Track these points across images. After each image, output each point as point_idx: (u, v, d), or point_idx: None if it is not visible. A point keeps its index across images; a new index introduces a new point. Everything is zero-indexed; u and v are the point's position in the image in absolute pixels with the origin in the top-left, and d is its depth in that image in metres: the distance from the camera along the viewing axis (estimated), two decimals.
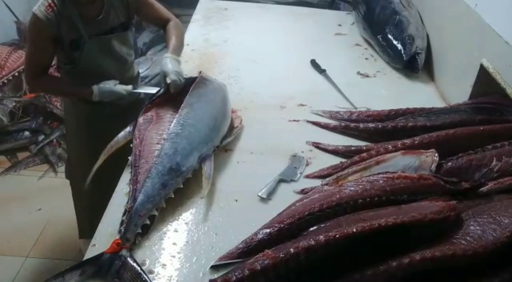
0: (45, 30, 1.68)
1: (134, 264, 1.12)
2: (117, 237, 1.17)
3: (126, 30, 1.87)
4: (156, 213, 1.27)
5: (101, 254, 1.13)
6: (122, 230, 1.19)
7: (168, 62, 1.68)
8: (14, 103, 3.25)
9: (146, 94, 1.88)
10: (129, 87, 1.81)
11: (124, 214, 1.24)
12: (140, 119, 1.53)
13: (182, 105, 1.55)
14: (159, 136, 1.45)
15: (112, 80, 1.79)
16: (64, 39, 1.72)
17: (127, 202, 1.27)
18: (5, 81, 3.26)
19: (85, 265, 1.11)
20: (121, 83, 1.83)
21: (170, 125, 1.47)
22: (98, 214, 1.31)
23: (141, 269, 1.11)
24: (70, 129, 2.12)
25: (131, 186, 1.31)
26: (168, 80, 1.62)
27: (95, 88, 1.75)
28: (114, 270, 1.11)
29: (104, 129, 1.63)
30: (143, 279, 1.09)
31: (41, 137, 3.20)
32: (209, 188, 1.35)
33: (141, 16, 1.98)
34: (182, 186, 1.36)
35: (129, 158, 1.42)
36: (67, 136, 2.23)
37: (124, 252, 1.14)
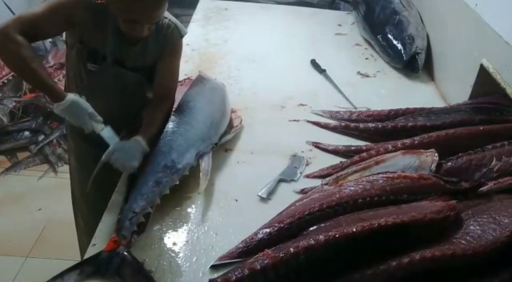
0: (79, 8, 1.37)
1: (133, 260, 1.12)
2: (113, 235, 1.17)
3: (148, 73, 1.54)
4: (151, 211, 1.27)
5: (99, 253, 1.13)
6: (118, 228, 1.19)
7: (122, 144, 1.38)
8: (14, 103, 3.25)
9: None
10: (100, 128, 1.39)
11: (120, 213, 1.24)
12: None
13: (178, 103, 1.56)
14: None
15: (95, 114, 1.38)
16: (84, 41, 1.43)
17: (123, 201, 1.28)
18: (5, 81, 3.26)
19: (84, 265, 1.11)
20: (125, 118, 1.51)
21: None
22: None
23: (141, 264, 1.12)
24: (74, 170, 1.81)
25: (127, 185, 1.32)
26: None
27: (69, 98, 1.34)
28: (114, 268, 1.11)
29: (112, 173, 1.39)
30: (144, 273, 1.10)
31: (41, 137, 3.19)
32: (207, 183, 1.35)
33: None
34: (178, 183, 1.36)
35: None
36: (71, 177, 1.86)
37: (122, 249, 1.14)
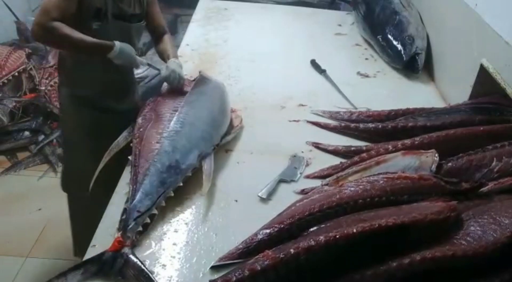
0: None
1: (137, 261, 1.12)
2: (118, 235, 1.17)
3: (140, 21, 1.81)
4: (156, 212, 1.27)
5: (103, 253, 1.13)
6: (123, 228, 1.18)
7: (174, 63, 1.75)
8: (14, 103, 3.24)
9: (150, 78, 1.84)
10: (144, 61, 1.72)
11: (123, 214, 1.24)
12: (140, 119, 1.53)
13: (182, 103, 1.56)
14: (159, 135, 1.45)
15: (131, 47, 1.67)
16: (91, 4, 1.59)
17: (126, 201, 1.27)
18: (5, 81, 3.26)
19: (87, 264, 1.11)
20: (123, 78, 1.84)
21: (169, 123, 1.47)
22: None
23: (144, 266, 1.12)
24: (70, 137, 1.97)
25: (130, 186, 1.31)
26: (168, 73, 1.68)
27: (117, 44, 1.59)
28: (117, 268, 1.11)
29: (108, 138, 1.53)
30: (146, 276, 1.10)
31: (41, 137, 3.19)
32: (209, 186, 1.35)
33: (146, 13, 1.87)
34: (182, 184, 1.36)
35: (129, 157, 1.42)
36: (65, 145, 2.07)
37: (126, 249, 1.14)
